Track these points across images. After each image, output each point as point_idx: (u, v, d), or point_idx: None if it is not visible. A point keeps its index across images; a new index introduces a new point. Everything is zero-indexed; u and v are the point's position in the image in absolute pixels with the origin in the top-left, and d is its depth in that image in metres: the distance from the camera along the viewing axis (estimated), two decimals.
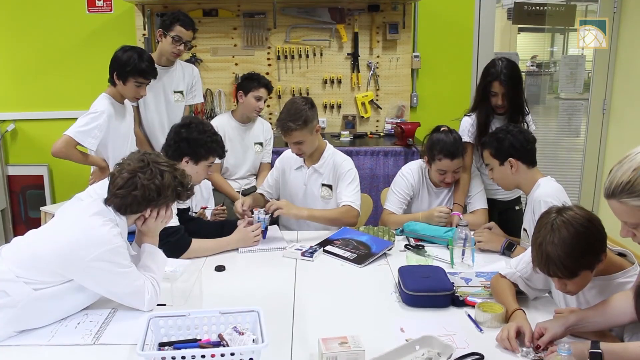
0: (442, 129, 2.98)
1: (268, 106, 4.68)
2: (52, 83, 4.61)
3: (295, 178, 3.12)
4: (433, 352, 1.71)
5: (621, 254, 1.89)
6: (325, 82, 4.72)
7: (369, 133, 4.76)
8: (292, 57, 4.66)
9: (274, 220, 3.05)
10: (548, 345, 1.70)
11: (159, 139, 3.65)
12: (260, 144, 3.84)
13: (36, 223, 4.39)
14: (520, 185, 2.63)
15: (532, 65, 5.58)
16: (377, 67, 4.72)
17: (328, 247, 2.65)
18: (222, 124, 3.68)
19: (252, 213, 2.78)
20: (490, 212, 3.04)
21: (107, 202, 1.97)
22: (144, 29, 4.51)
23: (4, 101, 4.66)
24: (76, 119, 3.06)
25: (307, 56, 4.67)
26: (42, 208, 4.00)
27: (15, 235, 2.03)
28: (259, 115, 3.83)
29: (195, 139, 2.61)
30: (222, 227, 2.79)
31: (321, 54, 4.68)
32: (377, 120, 4.82)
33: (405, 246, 2.68)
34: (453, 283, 2.13)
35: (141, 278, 1.99)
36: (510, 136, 2.59)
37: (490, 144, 2.65)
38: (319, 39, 4.65)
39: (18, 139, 4.72)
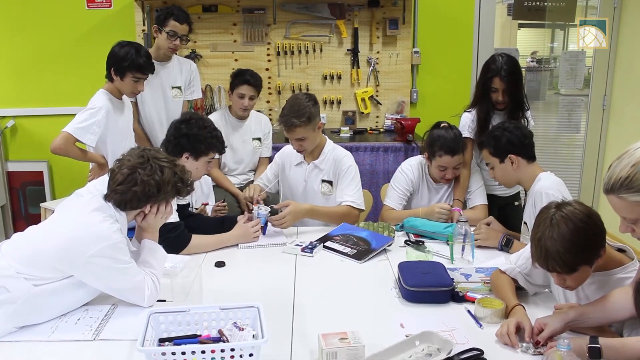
0: (442, 125, 2.98)
1: (268, 102, 4.68)
2: (52, 79, 4.61)
3: (296, 174, 3.12)
4: (433, 348, 1.71)
5: (620, 250, 1.89)
6: (325, 78, 4.72)
7: (368, 129, 4.76)
8: (292, 52, 4.65)
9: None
10: (547, 341, 1.70)
11: (158, 135, 3.65)
12: (259, 139, 3.85)
13: (36, 219, 4.38)
14: (521, 181, 2.63)
15: (532, 61, 5.57)
16: (377, 63, 4.72)
17: (328, 243, 2.65)
18: (218, 119, 3.69)
19: (252, 209, 2.79)
20: (489, 208, 3.04)
21: (107, 198, 1.97)
22: (144, 25, 4.51)
23: (3, 97, 4.65)
24: (76, 115, 3.06)
25: (307, 52, 4.66)
26: (42, 204, 3.99)
27: (15, 232, 2.03)
28: (259, 111, 3.82)
29: (195, 134, 2.61)
30: (222, 223, 2.79)
31: (321, 50, 4.67)
32: (377, 116, 4.82)
33: (405, 242, 2.68)
34: (453, 279, 2.14)
35: (141, 274, 1.99)
36: (507, 133, 2.59)
37: (488, 143, 2.65)
38: (318, 34, 4.65)
39: (18, 135, 4.72)
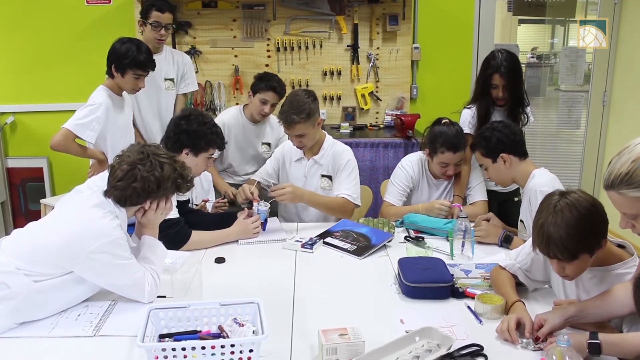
0: (443, 121, 2.97)
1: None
2: (51, 75, 4.60)
3: (296, 170, 3.12)
4: (433, 344, 1.72)
5: (620, 246, 1.90)
6: (325, 73, 4.71)
7: (368, 125, 4.75)
8: (292, 48, 4.65)
9: (274, 212, 3.05)
10: (547, 337, 1.70)
11: (152, 128, 3.65)
12: (268, 144, 3.74)
13: (36, 215, 4.39)
14: (516, 179, 2.63)
15: (532, 57, 5.55)
16: (377, 59, 4.71)
17: (328, 239, 2.66)
18: (230, 118, 3.63)
19: (252, 205, 2.78)
20: (489, 204, 3.04)
21: (106, 194, 1.97)
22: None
23: (3, 93, 4.64)
24: (76, 111, 3.06)
25: (307, 48, 4.65)
26: (41, 200, 4.00)
27: (15, 228, 2.03)
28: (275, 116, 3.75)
29: (195, 130, 2.61)
30: (222, 219, 2.79)
31: (321, 46, 4.66)
32: (377, 112, 4.81)
33: (405, 238, 2.68)
34: (453, 275, 2.14)
35: (141, 270, 1.99)
36: (497, 132, 2.60)
37: (479, 144, 2.66)
38: (318, 30, 4.64)
39: (17, 131, 4.72)
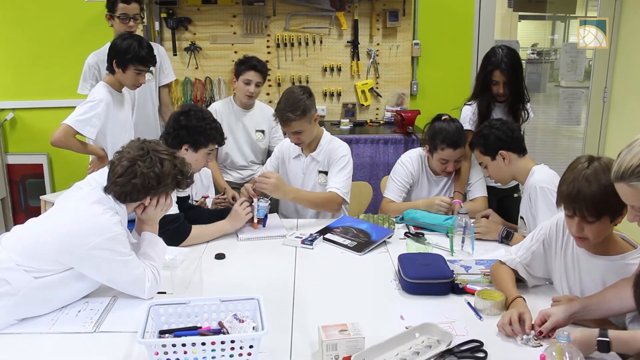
0: (443, 117, 2.97)
1: (268, 94, 4.67)
2: (51, 71, 4.59)
3: (294, 167, 3.12)
4: (432, 340, 1.72)
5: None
6: (325, 70, 4.71)
7: (368, 121, 4.75)
8: (292, 44, 4.64)
9: (274, 209, 3.05)
10: (550, 333, 1.70)
11: (135, 119, 3.62)
12: (262, 131, 3.82)
13: (36, 212, 4.37)
14: (515, 176, 2.64)
15: (532, 53, 5.55)
16: (377, 55, 4.70)
17: (328, 235, 2.66)
18: (222, 108, 3.69)
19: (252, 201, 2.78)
20: (489, 200, 3.04)
21: (106, 190, 1.97)
22: (143, 18, 4.48)
23: (2, 90, 4.64)
24: (75, 107, 3.06)
25: (307, 44, 4.65)
26: (41, 197, 3.99)
27: (15, 224, 2.03)
28: (264, 103, 3.78)
29: (195, 126, 2.61)
30: (221, 215, 2.78)
31: (321, 42, 4.66)
32: (377, 108, 4.81)
33: (405, 234, 2.68)
34: (453, 271, 2.14)
35: (141, 266, 1.99)
36: (495, 130, 2.62)
37: (477, 142, 2.67)
38: (318, 26, 4.63)
39: (17, 127, 4.71)
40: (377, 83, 4.76)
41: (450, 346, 1.68)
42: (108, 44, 3.19)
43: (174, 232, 2.45)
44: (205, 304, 1.72)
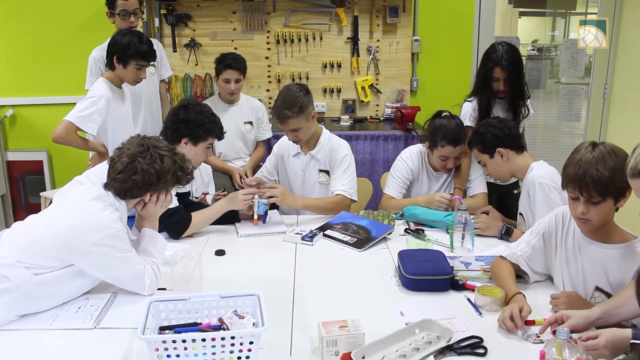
0: (443, 114, 2.97)
1: (267, 90, 4.66)
2: (51, 68, 4.59)
3: (294, 165, 3.12)
4: (432, 336, 1.72)
5: None
6: (325, 66, 4.70)
7: (368, 117, 4.75)
8: (292, 41, 4.63)
9: (274, 205, 3.05)
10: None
11: (141, 113, 3.67)
12: (250, 122, 3.86)
13: (36, 208, 4.40)
14: (514, 172, 2.64)
15: (532, 50, 5.54)
16: (377, 51, 4.70)
17: (328, 232, 2.66)
18: (208, 103, 3.66)
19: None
20: (489, 197, 3.04)
21: (106, 186, 1.97)
22: (142, 13, 4.47)
23: (2, 86, 4.63)
24: (75, 104, 3.05)
25: (307, 40, 4.64)
26: (41, 193, 4.00)
27: (15, 221, 2.03)
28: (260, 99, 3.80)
29: (194, 120, 2.62)
30: None
31: (321, 38, 4.65)
32: (377, 105, 4.80)
33: (405, 230, 2.69)
34: (453, 267, 2.14)
35: (141, 262, 1.99)
36: (492, 128, 2.63)
37: (475, 141, 2.68)
38: (318, 22, 4.62)
39: (17, 124, 4.71)
40: (377, 79, 4.76)
41: (450, 342, 1.69)
42: None
43: (175, 224, 2.50)
44: (206, 300, 1.72)
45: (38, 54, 4.58)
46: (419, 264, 2.12)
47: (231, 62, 3.70)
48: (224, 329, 1.63)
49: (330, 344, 1.60)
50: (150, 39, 3.76)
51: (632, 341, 1.53)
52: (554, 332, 1.68)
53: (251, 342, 1.53)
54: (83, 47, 4.46)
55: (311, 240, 2.55)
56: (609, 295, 1.87)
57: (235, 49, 4.59)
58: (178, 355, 1.50)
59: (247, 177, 3.51)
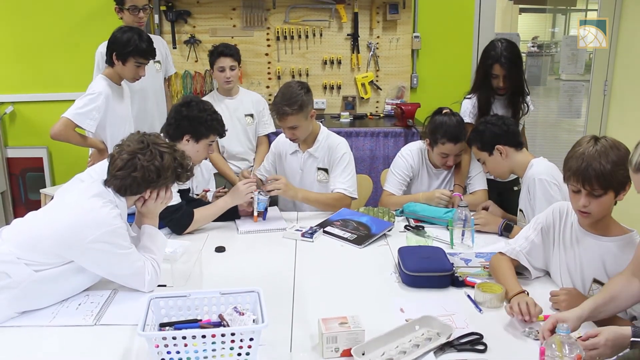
0: (444, 111, 2.96)
1: (267, 87, 4.66)
2: (51, 65, 4.58)
3: (292, 163, 3.11)
4: (432, 332, 1.72)
5: None
6: (325, 62, 4.69)
7: (368, 114, 4.74)
8: (292, 37, 4.62)
9: (274, 202, 3.05)
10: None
11: (149, 109, 3.67)
12: (251, 115, 3.84)
13: (36, 205, 4.36)
14: (514, 169, 2.65)
15: (533, 46, 5.54)
16: (377, 48, 4.69)
17: (328, 228, 2.66)
18: (207, 98, 3.67)
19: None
20: (489, 193, 3.04)
21: (106, 183, 1.97)
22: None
23: (2, 83, 4.62)
24: (76, 100, 3.05)
25: (307, 37, 4.63)
26: (41, 190, 4.00)
27: (15, 218, 2.03)
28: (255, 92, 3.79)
29: (196, 116, 2.62)
30: None
31: (321, 35, 4.64)
32: (377, 101, 4.80)
33: (405, 227, 2.69)
34: (453, 264, 2.14)
35: (141, 259, 1.99)
36: (490, 125, 2.64)
37: (474, 139, 2.69)
38: (318, 19, 4.61)
39: (17, 121, 4.70)
40: (377, 76, 4.75)
41: (450, 339, 1.69)
42: None
43: (177, 220, 2.52)
44: (206, 297, 1.72)
45: (38, 50, 4.57)
46: (419, 260, 2.12)
47: (223, 49, 3.71)
48: (224, 326, 1.63)
49: (330, 340, 1.61)
50: (155, 36, 3.80)
51: (632, 339, 1.53)
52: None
53: (251, 339, 1.53)
54: (83, 44, 4.48)
55: (311, 237, 2.55)
56: None
57: (235, 45, 4.58)
58: (178, 352, 1.50)
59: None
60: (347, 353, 1.60)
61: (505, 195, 3.22)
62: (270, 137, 3.79)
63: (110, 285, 2.03)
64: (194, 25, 4.55)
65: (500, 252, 2.13)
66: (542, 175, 2.45)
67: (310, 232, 2.59)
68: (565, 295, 1.88)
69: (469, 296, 1.99)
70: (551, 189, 2.41)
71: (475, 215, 2.61)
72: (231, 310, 1.67)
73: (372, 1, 4.58)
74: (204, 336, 1.50)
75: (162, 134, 2.55)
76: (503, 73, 3.04)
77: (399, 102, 4.60)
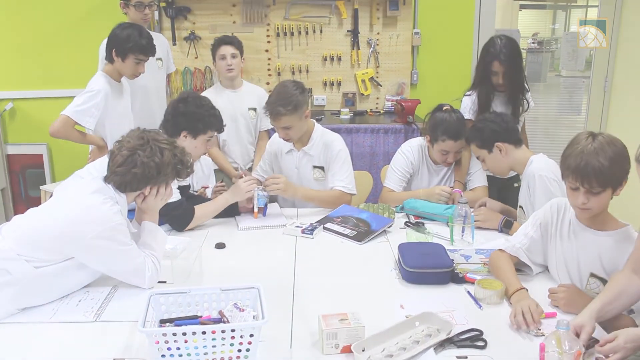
0: (444, 108, 2.96)
1: (267, 83, 4.65)
2: (51, 61, 4.58)
3: (287, 162, 3.10)
4: (432, 329, 1.72)
5: None
6: (325, 59, 4.69)
7: (369, 110, 4.74)
8: (292, 34, 4.62)
9: (274, 198, 3.05)
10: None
11: (151, 106, 3.68)
12: (254, 109, 3.83)
13: (36, 202, 4.37)
14: (513, 166, 2.64)
15: (533, 43, 5.53)
16: (377, 44, 4.69)
17: (328, 225, 2.66)
18: (212, 93, 3.67)
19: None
20: (489, 190, 3.04)
21: (106, 180, 1.97)
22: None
23: (2, 80, 4.62)
24: (75, 97, 3.05)
25: (307, 33, 4.63)
26: (41, 187, 4.00)
27: (15, 214, 2.03)
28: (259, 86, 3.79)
29: (193, 112, 2.62)
30: None
31: (321, 31, 4.64)
32: (377, 98, 4.80)
33: (405, 223, 2.69)
34: (453, 260, 2.14)
35: (141, 256, 1.99)
36: (489, 122, 2.63)
37: (473, 137, 2.68)
38: (318, 15, 4.61)
39: (17, 117, 4.70)
40: (377, 72, 4.75)
41: (450, 335, 1.69)
42: None
43: (179, 217, 2.52)
44: (206, 293, 1.72)
45: (38, 47, 4.57)
46: (419, 257, 2.12)
47: (223, 38, 3.73)
48: (224, 322, 1.63)
49: (331, 336, 1.61)
50: (156, 33, 3.80)
51: None
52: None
53: (251, 335, 1.53)
54: (83, 40, 4.48)
55: (311, 233, 2.55)
56: (603, 281, 1.90)
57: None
58: (178, 348, 1.50)
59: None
60: (347, 349, 1.61)
61: (505, 192, 3.22)
62: (270, 133, 3.78)
63: (110, 282, 2.02)
64: (194, 21, 4.54)
65: (500, 249, 2.13)
66: (542, 171, 2.45)
67: (310, 228, 2.59)
68: (564, 293, 1.88)
69: (469, 292, 1.99)
70: (551, 185, 2.41)
71: (475, 212, 2.61)
72: (231, 307, 1.67)
73: None
74: (204, 332, 1.50)
75: (161, 130, 2.54)
76: (502, 70, 3.04)
77: (399, 98, 4.60)
